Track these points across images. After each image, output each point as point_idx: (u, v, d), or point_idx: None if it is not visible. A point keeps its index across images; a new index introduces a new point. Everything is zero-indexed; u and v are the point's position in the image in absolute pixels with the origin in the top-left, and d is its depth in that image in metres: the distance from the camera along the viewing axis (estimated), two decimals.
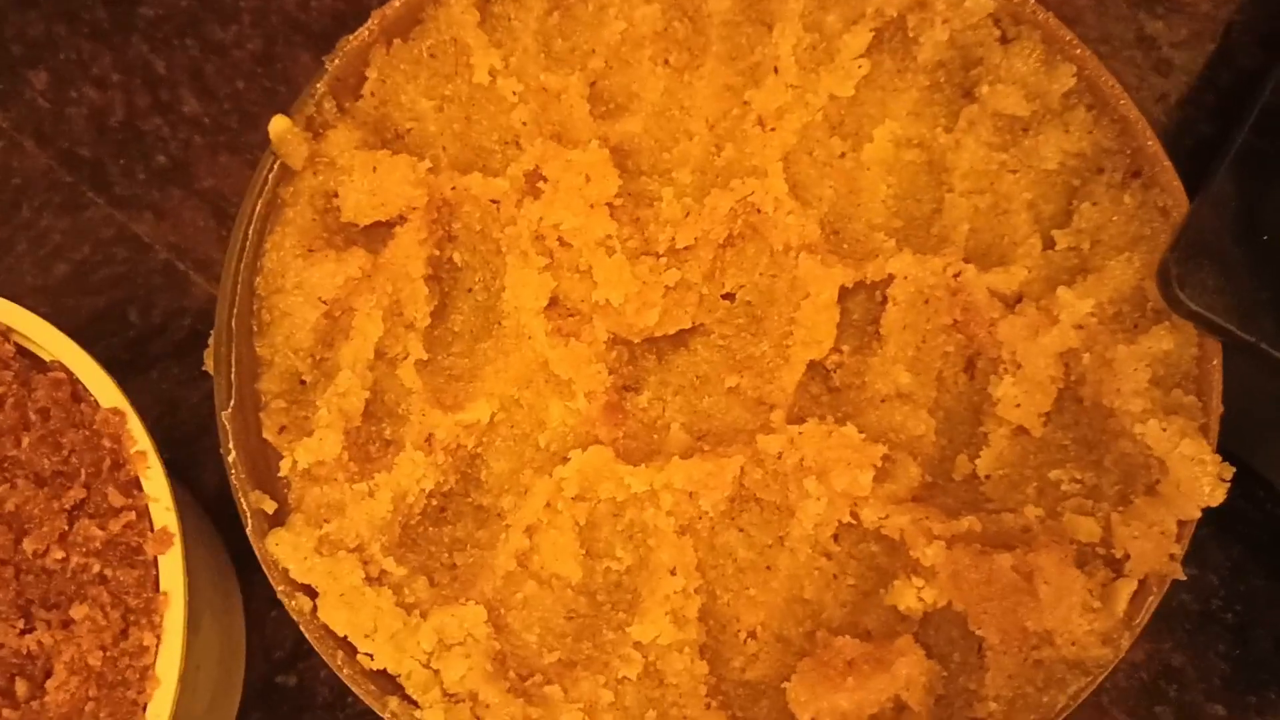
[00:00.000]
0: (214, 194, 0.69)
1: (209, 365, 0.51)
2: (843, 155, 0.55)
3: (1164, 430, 0.46)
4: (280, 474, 0.50)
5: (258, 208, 0.52)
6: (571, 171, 0.51)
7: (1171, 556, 0.45)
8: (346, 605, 0.47)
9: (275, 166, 0.52)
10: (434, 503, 0.51)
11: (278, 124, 0.52)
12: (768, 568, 0.51)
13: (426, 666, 0.47)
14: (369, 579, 0.48)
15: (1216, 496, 0.45)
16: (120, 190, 0.69)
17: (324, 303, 0.51)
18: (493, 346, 0.53)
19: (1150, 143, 0.50)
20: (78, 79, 0.70)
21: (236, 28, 0.70)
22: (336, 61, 0.53)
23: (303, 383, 0.52)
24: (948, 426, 0.52)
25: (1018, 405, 0.49)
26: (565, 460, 0.50)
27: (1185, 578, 0.45)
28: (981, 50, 0.54)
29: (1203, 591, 0.60)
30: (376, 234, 0.54)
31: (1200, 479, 0.45)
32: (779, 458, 0.50)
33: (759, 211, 0.53)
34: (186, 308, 0.67)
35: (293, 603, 0.47)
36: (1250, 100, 0.48)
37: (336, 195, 0.53)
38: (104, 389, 0.49)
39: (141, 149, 0.69)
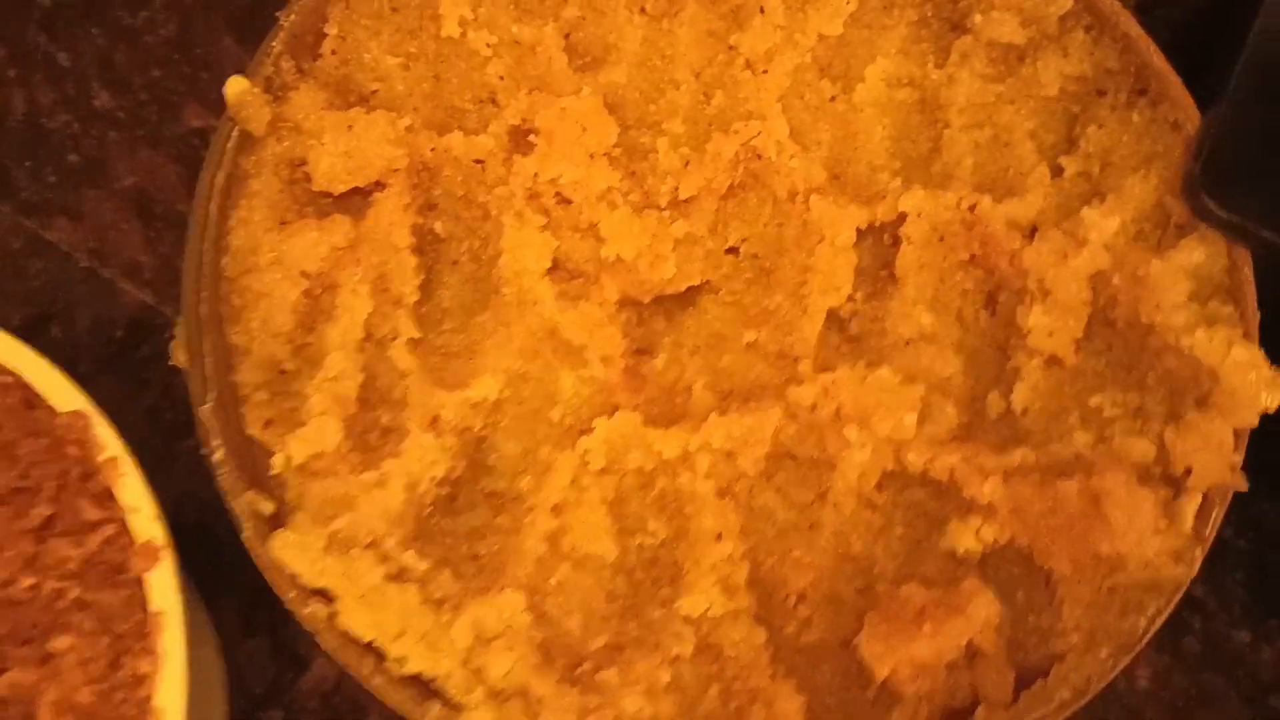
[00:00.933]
0: (136, 192, 0.62)
1: (178, 359, 0.45)
2: (833, 99, 0.53)
3: (1212, 341, 0.44)
4: (272, 472, 0.44)
5: (218, 181, 0.46)
6: (567, 121, 0.48)
7: (1232, 467, 0.44)
8: (369, 607, 0.42)
9: (234, 135, 0.47)
10: (444, 492, 0.47)
11: (235, 85, 0.46)
12: (810, 526, 0.48)
13: (466, 665, 0.42)
14: (389, 576, 0.43)
15: (1274, 401, 0.44)
16: (28, 195, 0.62)
17: (306, 278, 0.46)
18: (491, 319, 0.49)
19: (1156, 59, 0.49)
20: None
21: (147, 12, 0.64)
22: (293, 17, 0.48)
23: (283, 372, 0.47)
24: (973, 365, 0.50)
25: (1050, 334, 0.48)
26: (586, 432, 0.46)
27: (1247, 488, 0.44)
28: None
29: None
30: (349, 205, 0.49)
31: (1256, 385, 0.44)
32: (813, 409, 0.47)
33: (759, 158, 0.51)
34: (115, 318, 0.61)
35: (307, 611, 0.42)
36: (1250, 7, 0.48)
37: (304, 163, 0.48)
38: (60, 391, 0.43)
39: (49, 148, 0.62)
